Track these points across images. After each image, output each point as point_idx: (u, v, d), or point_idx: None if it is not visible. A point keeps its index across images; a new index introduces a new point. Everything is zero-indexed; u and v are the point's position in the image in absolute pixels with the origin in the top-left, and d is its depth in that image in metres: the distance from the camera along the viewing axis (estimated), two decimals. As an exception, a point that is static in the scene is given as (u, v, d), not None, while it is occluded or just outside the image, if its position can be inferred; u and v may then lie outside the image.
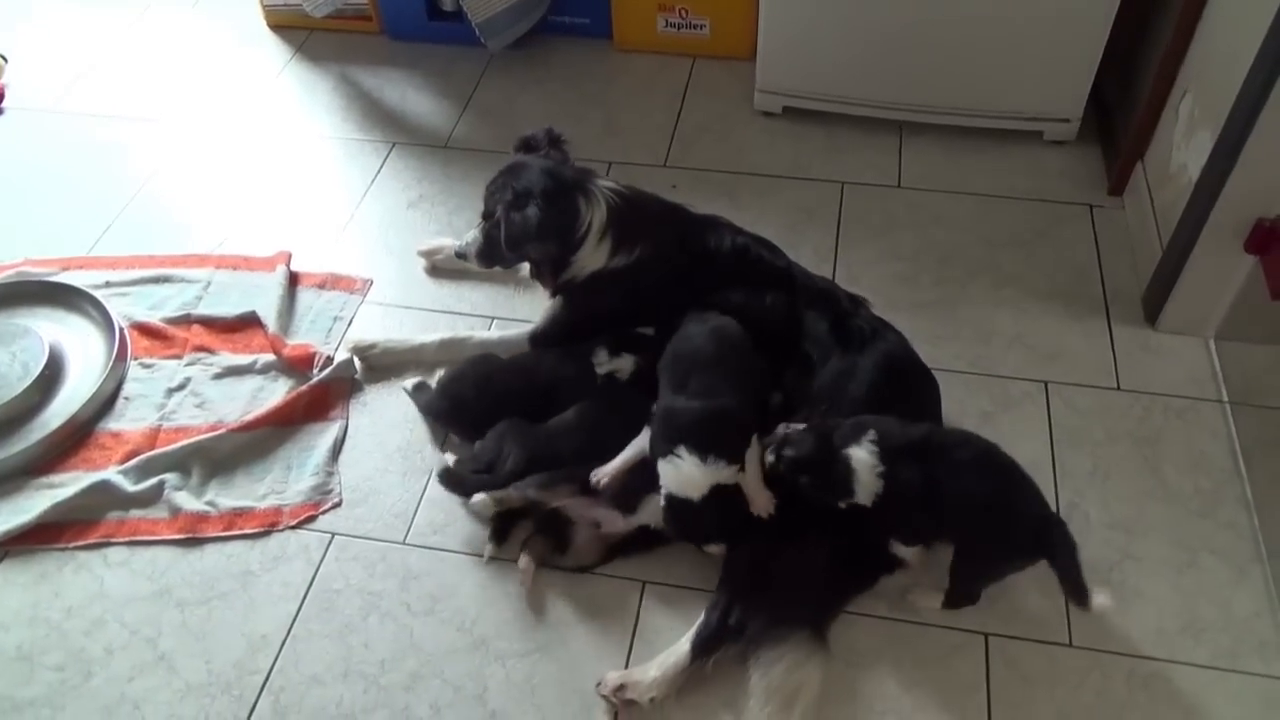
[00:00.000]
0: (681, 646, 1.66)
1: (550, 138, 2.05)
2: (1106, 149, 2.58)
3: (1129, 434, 2.00)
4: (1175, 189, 2.15)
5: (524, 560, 1.78)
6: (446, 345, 2.12)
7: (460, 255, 2.13)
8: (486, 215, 2.00)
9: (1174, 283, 2.10)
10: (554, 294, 2.04)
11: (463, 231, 2.42)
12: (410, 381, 2.09)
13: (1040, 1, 2.34)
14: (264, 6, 3.09)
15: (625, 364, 1.95)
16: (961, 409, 2.02)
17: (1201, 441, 1.98)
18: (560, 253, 1.95)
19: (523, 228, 1.89)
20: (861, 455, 1.61)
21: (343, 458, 2.01)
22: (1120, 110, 2.53)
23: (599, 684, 1.65)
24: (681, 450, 1.65)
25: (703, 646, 1.65)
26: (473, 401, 1.98)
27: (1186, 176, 2.08)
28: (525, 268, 2.15)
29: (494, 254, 2.01)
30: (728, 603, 1.67)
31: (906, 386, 1.87)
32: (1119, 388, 2.08)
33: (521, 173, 1.94)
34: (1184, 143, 2.14)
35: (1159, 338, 2.17)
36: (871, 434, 1.63)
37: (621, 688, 1.63)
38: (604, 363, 1.95)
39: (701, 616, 1.68)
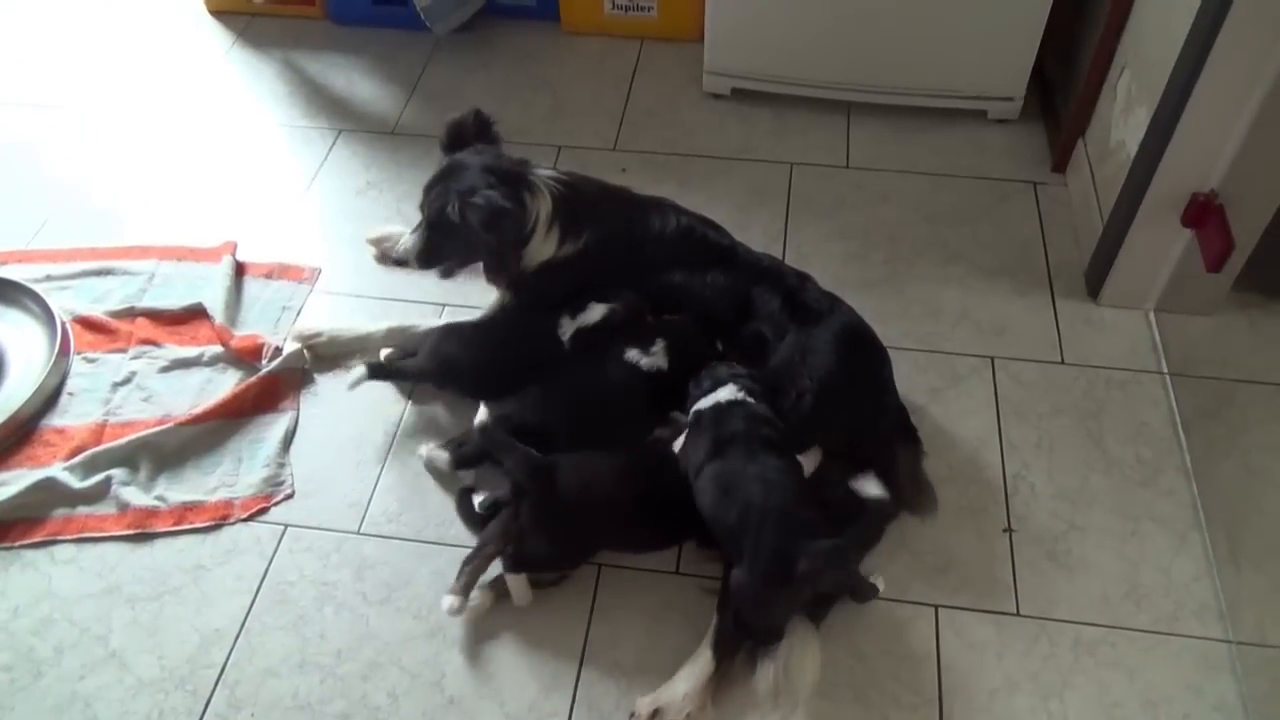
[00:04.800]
0: (703, 654, 1.64)
1: (479, 120, 2.00)
2: (1049, 126, 2.62)
3: (1073, 406, 2.04)
4: (1115, 165, 2.19)
5: (451, 601, 1.70)
6: (393, 334, 2.10)
7: (399, 260, 2.01)
8: (430, 223, 1.93)
9: (1114, 257, 2.14)
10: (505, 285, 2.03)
11: (412, 218, 2.39)
12: (357, 372, 1.97)
13: (982, -19, 2.37)
14: (204, -9, 3.04)
15: (594, 313, 1.92)
16: (910, 385, 2.04)
17: (1143, 412, 2.03)
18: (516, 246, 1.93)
19: (490, 212, 1.81)
20: (713, 398, 1.75)
21: (294, 449, 2.00)
22: (1061, 88, 2.57)
23: (632, 715, 1.61)
24: None
25: (723, 648, 1.64)
26: (463, 358, 1.98)
27: (1125, 153, 2.12)
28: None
29: (435, 255, 1.97)
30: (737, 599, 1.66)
31: (867, 357, 1.89)
32: (1063, 361, 2.12)
33: (461, 174, 1.90)
34: (1122, 120, 2.18)
35: (1101, 311, 2.21)
36: (726, 396, 1.75)
37: (657, 712, 1.59)
38: (569, 325, 1.92)
39: (714, 619, 1.67)
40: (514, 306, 2.04)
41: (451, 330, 2.06)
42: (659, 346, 1.88)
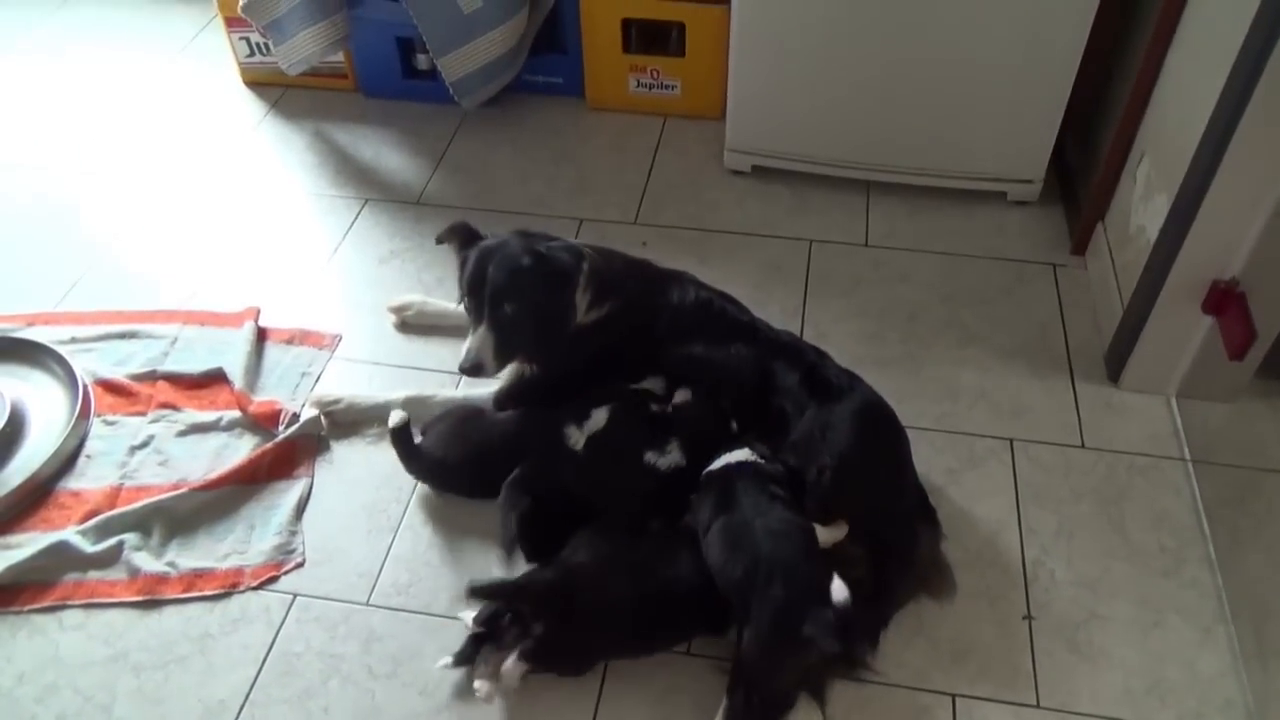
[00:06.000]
0: None
1: (469, 229, 2.00)
2: (1068, 209, 2.63)
3: (1094, 491, 2.01)
4: (1135, 250, 2.19)
5: (483, 685, 1.67)
6: (411, 403, 2.10)
7: (472, 371, 1.88)
8: (489, 309, 1.86)
9: (1135, 341, 2.13)
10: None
11: (433, 288, 2.43)
12: (397, 416, 1.98)
13: (1003, 67, 2.40)
14: (240, 63, 3.12)
15: (598, 418, 1.92)
16: (928, 466, 2.02)
17: (1164, 499, 2.00)
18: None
19: (563, 267, 1.87)
20: (723, 460, 1.79)
21: (307, 516, 1.99)
22: (1081, 172, 2.59)
23: None
24: None
25: None
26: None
27: (1145, 238, 2.13)
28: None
29: (507, 344, 1.89)
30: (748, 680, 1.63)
31: (886, 435, 1.88)
32: (1083, 445, 2.10)
33: (506, 246, 1.90)
34: (1142, 205, 2.18)
35: (1121, 395, 2.19)
36: (738, 458, 1.77)
37: None
38: (578, 435, 1.91)
39: (724, 701, 1.63)
40: (531, 375, 2.04)
41: (454, 428, 2.02)
42: (674, 444, 1.87)
